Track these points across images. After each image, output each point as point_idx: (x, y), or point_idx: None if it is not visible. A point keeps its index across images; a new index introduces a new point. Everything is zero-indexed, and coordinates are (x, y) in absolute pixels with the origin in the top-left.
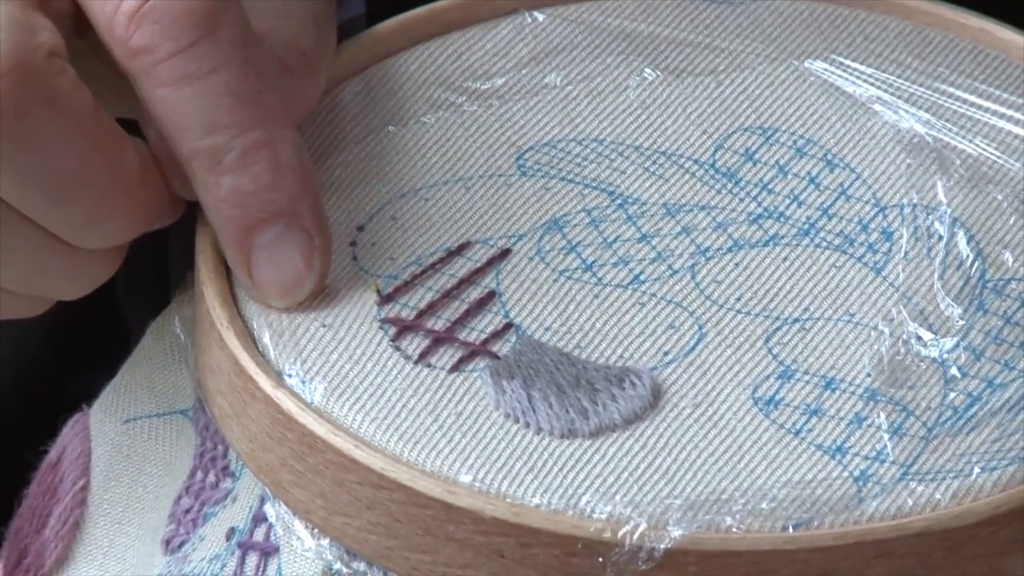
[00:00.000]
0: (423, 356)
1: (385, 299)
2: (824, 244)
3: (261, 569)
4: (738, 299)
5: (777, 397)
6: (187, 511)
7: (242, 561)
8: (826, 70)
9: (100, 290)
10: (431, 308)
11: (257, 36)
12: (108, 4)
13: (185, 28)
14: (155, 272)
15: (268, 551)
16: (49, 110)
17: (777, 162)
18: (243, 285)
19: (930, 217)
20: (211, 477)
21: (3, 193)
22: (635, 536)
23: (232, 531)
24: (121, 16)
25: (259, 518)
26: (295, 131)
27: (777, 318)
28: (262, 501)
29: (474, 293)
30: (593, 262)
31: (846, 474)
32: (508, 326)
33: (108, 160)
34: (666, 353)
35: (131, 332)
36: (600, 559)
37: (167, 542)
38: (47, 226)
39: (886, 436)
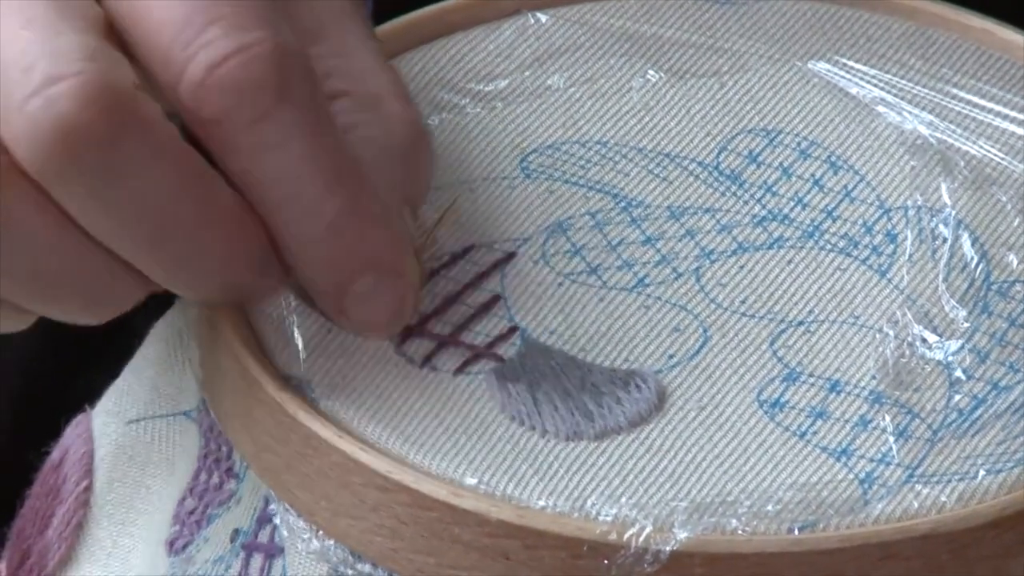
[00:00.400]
0: (427, 359)
1: None
2: (828, 246)
3: (265, 571)
4: (743, 302)
5: (782, 400)
6: (191, 512)
7: (246, 563)
8: (829, 71)
9: None
10: (436, 313)
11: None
12: (170, 70)
13: (257, 96)
14: None
15: (272, 553)
16: (139, 140)
17: (781, 164)
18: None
19: (934, 219)
20: (215, 479)
21: (94, 229)
22: (641, 538)
23: (236, 532)
24: (187, 85)
25: (263, 520)
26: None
27: (782, 321)
28: (266, 502)
29: (479, 297)
30: (598, 265)
31: (851, 476)
32: (513, 329)
33: (200, 196)
34: (671, 356)
35: (135, 331)
36: (606, 561)
37: (171, 543)
38: (139, 266)
39: (891, 438)
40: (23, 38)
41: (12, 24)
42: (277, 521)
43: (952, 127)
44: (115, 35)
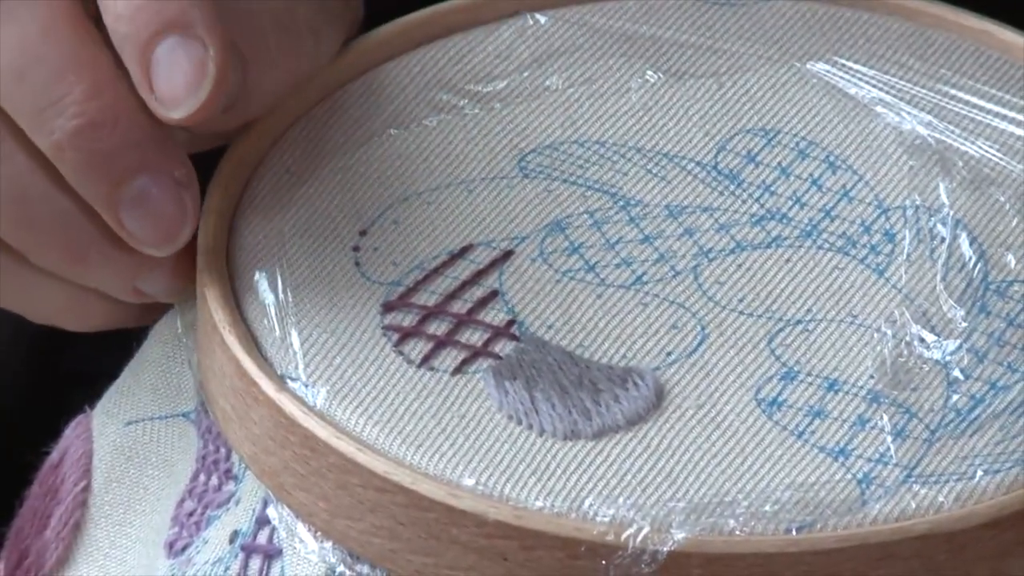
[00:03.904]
0: (426, 359)
1: (388, 307)
2: (827, 246)
3: (264, 572)
4: (741, 300)
5: (780, 398)
6: (190, 514)
7: (245, 564)
8: (828, 72)
9: None
10: (434, 312)
11: None
12: None
13: None
14: None
15: (271, 554)
16: None
17: (779, 164)
18: (148, 103)
19: (932, 219)
20: (214, 480)
21: None
22: (638, 539)
23: (235, 534)
24: None
25: (262, 521)
26: None
27: (780, 319)
28: (265, 504)
29: (477, 294)
30: (596, 263)
31: (849, 476)
32: (511, 325)
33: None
34: (669, 353)
35: (135, 333)
36: (603, 562)
37: (170, 545)
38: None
39: (889, 438)
40: None
41: None
42: (276, 522)
43: (950, 127)
44: None
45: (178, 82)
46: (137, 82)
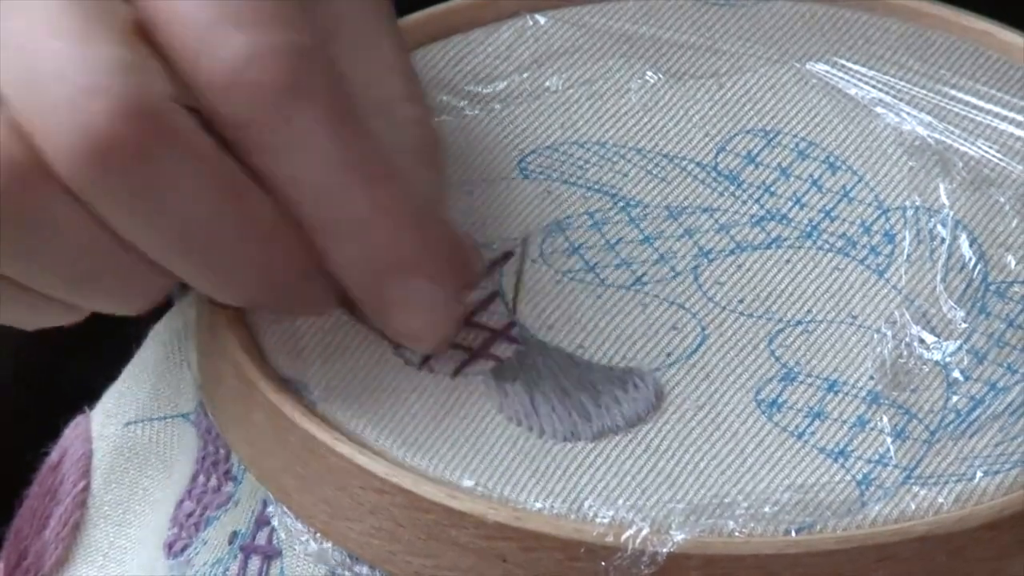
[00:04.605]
0: (425, 361)
1: None
2: (826, 246)
3: (263, 573)
4: (740, 301)
5: (780, 400)
6: (189, 515)
7: (245, 565)
8: (828, 72)
9: None
10: None
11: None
12: (196, 73)
13: (278, 97)
14: None
15: (271, 555)
16: (174, 156)
17: (779, 164)
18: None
19: (932, 219)
20: (213, 481)
21: (129, 237)
22: (637, 540)
23: (235, 535)
24: (211, 89)
25: (262, 522)
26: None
27: (780, 320)
28: (264, 505)
29: (477, 296)
30: (596, 264)
31: (849, 477)
32: (511, 327)
33: (237, 208)
34: (669, 354)
35: (135, 333)
36: (603, 563)
37: (169, 546)
38: (177, 273)
39: (889, 439)
40: (54, 48)
41: (43, 31)
42: (275, 523)
43: (950, 128)
44: (146, 36)
45: (415, 324)
46: (370, 315)
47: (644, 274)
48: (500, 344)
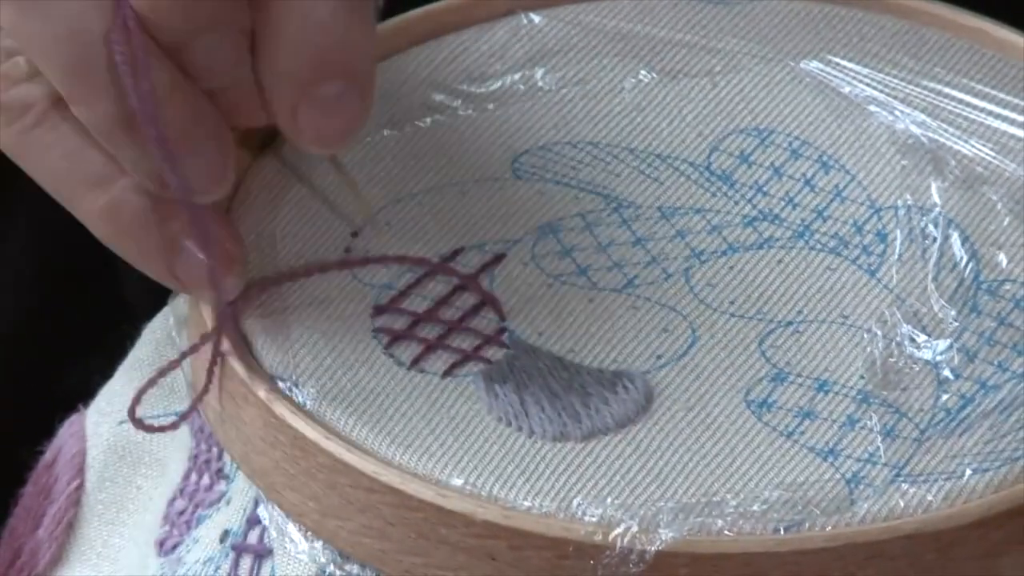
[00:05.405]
0: (416, 362)
1: (379, 310)
2: (819, 246)
3: (255, 571)
4: (732, 302)
5: (770, 400)
6: (181, 513)
7: (236, 563)
8: (821, 71)
9: (99, 285)
10: (425, 316)
11: None
12: None
13: None
14: None
15: (262, 553)
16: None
17: (772, 164)
18: (285, 130)
19: (924, 218)
20: (205, 479)
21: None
22: (626, 539)
23: (226, 533)
24: None
25: (253, 521)
26: None
27: (771, 321)
28: (256, 504)
29: (468, 299)
30: (587, 266)
31: (838, 476)
32: (502, 331)
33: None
34: (659, 356)
35: (129, 332)
36: (591, 562)
37: (161, 544)
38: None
39: (878, 438)
40: None
41: None
42: (266, 522)
43: (944, 126)
44: None
45: (332, 129)
46: (279, 110)
47: (636, 276)
48: (490, 348)
